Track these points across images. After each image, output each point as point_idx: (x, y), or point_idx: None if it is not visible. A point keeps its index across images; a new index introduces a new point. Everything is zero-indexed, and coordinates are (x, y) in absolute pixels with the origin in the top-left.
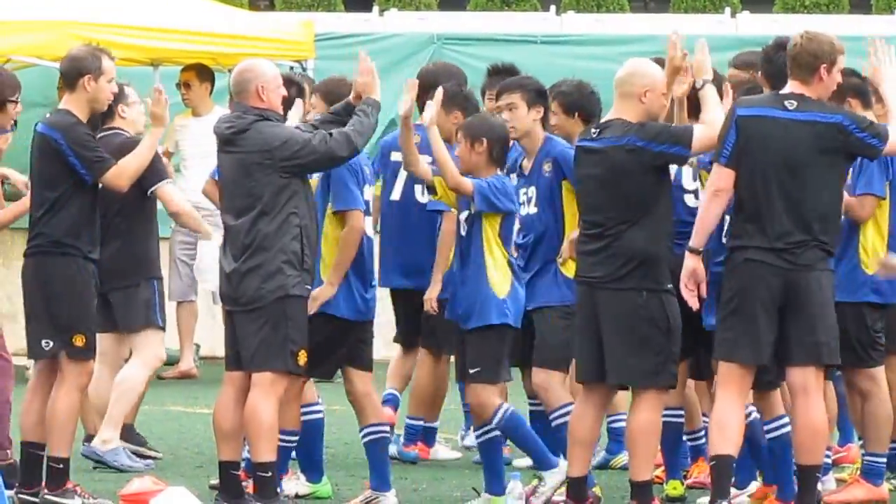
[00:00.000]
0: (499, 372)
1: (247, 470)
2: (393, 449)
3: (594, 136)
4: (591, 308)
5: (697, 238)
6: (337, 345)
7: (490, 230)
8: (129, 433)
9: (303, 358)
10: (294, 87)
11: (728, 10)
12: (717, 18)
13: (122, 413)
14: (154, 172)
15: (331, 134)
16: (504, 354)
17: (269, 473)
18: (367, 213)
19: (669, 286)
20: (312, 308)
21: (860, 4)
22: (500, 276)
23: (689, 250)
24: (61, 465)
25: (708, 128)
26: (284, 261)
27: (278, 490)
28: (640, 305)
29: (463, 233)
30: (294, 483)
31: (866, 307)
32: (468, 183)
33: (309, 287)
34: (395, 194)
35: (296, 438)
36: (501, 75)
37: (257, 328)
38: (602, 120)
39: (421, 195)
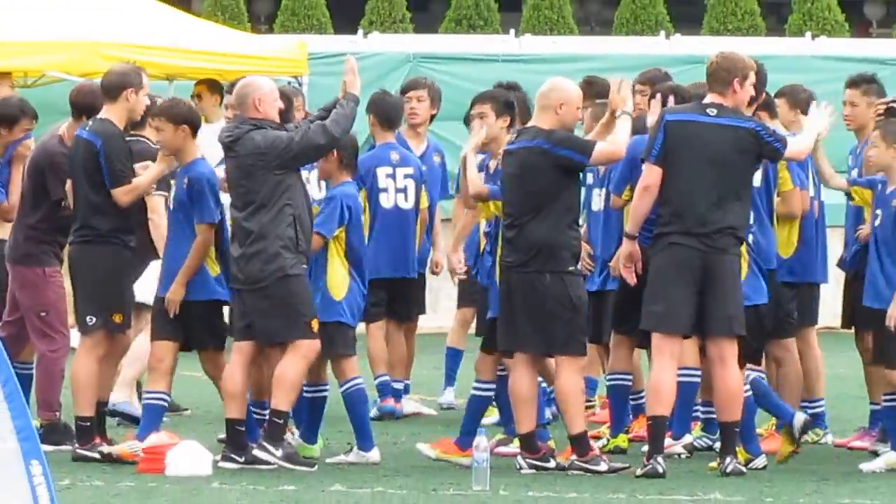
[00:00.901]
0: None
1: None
2: (374, 412)
3: (513, 140)
4: (508, 288)
5: (631, 226)
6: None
7: (336, 248)
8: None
9: (315, 325)
10: (284, 99)
11: (663, 32)
12: (653, 40)
13: (134, 376)
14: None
15: (309, 127)
16: (339, 343)
17: (282, 421)
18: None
19: (572, 268)
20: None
21: (775, 28)
22: (338, 282)
23: (625, 235)
24: (88, 423)
25: (610, 145)
26: (282, 246)
27: (284, 436)
28: (545, 286)
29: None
30: (288, 436)
31: (781, 286)
32: (319, 240)
33: (305, 266)
34: (387, 203)
35: (266, 412)
36: (506, 88)
37: (270, 307)
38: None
39: (404, 202)
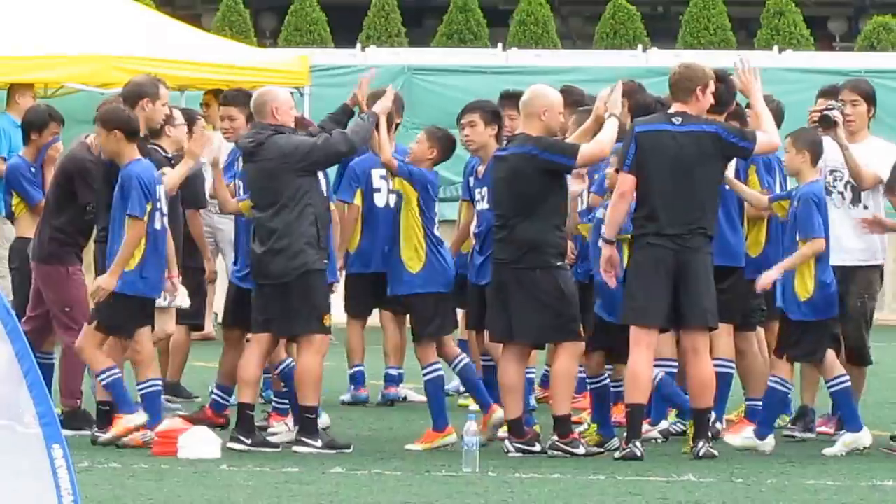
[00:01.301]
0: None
1: (214, 409)
2: (347, 395)
3: (503, 146)
4: (500, 283)
5: (609, 231)
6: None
7: None
8: (176, 389)
9: (327, 320)
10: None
11: (640, 46)
12: (630, 53)
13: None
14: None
15: (331, 134)
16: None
17: (313, 415)
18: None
19: (559, 264)
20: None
21: (745, 42)
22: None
23: (603, 240)
24: (108, 408)
25: (595, 145)
26: (305, 243)
27: (318, 428)
28: (536, 280)
29: None
30: (283, 426)
31: (749, 283)
32: None
33: (326, 262)
34: (380, 202)
35: (230, 398)
36: (512, 99)
37: (290, 300)
38: (514, 133)
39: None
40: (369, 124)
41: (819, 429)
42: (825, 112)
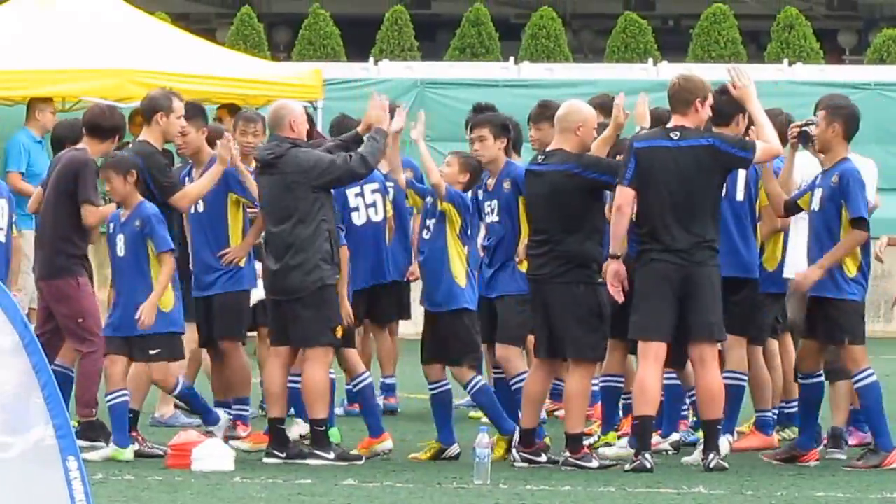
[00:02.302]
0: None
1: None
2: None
3: (540, 161)
4: (542, 299)
5: (613, 247)
6: None
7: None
8: None
9: (339, 332)
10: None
11: (651, 60)
12: (641, 67)
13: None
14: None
15: (350, 156)
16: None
17: (323, 428)
18: None
19: (600, 280)
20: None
21: (755, 56)
22: (168, 296)
23: (609, 256)
24: (131, 415)
25: None
26: (320, 258)
27: (330, 439)
28: (579, 296)
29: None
30: (297, 426)
31: (763, 296)
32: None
33: (338, 276)
34: (359, 220)
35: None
36: (484, 112)
37: (305, 313)
38: (547, 149)
39: (375, 215)
40: (381, 144)
41: (852, 442)
42: (804, 128)
